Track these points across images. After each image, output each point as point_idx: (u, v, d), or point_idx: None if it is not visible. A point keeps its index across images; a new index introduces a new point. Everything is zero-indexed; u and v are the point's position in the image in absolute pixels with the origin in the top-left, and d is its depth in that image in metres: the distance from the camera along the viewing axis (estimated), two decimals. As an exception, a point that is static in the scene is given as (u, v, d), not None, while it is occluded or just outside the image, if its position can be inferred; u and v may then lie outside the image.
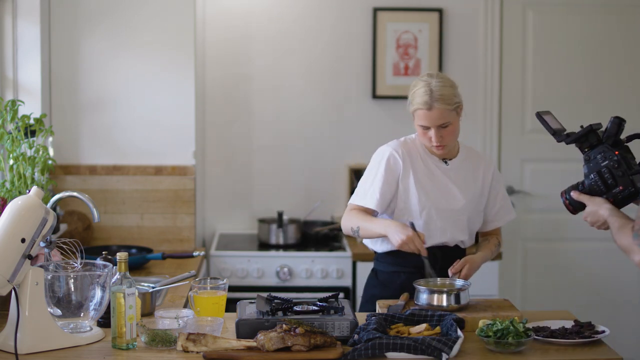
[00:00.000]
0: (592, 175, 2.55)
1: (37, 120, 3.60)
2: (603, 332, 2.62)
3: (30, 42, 3.99)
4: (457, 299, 2.79)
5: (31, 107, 3.84)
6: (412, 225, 2.93)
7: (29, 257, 2.47)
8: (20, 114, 3.56)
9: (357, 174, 4.81)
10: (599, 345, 2.57)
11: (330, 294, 2.85)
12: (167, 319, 2.62)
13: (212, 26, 4.78)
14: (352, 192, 4.74)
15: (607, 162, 2.52)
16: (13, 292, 2.46)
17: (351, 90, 4.88)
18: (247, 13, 4.80)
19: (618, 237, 2.44)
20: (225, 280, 2.89)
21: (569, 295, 4.90)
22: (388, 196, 3.06)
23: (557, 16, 4.89)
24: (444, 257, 3.07)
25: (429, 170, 3.09)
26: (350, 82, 4.88)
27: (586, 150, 2.57)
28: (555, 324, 2.70)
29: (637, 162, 2.55)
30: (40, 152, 3.56)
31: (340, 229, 4.66)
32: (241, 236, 4.78)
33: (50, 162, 3.66)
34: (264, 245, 4.57)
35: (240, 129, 4.86)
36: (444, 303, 2.78)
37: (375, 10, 4.81)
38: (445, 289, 2.80)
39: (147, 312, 2.84)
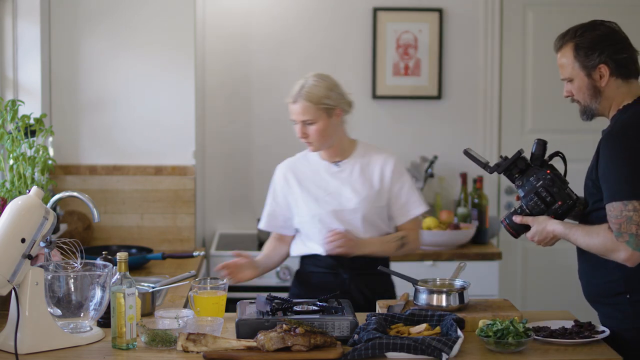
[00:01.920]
0: (529, 196, 2.68)
1: (37, 120, 3.60)
2: (603, 332, 2.62)
3: (30, 42, 3.99)
4: (457, 299, 2.79)
5: (31, 107, 3.84)
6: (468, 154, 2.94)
7: (29, 257, 2.47)
8: (20, 114, 3.56)
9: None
10: (599, 345, 2.57)
11: (330, 293, 2.85)
12: (167, 319, 2.62)
13: (212, 26, 4.78)
14: (352, 192, 4.80)
15: (541, 182, 2.66)
16: (13, 292, 2.46)
17: (351, 90, 4.83)
18: (247, 13, 4.80)
19: (588, 240, 2.56)
20: (225, 281, 2.89)
21: (569, 295, 4.89)
22: (279, 214, 3.27)
23: (557, 16, 4.88)
24: (355, 260, 3.15)
25: (318, 176, 3.20)
26: (350, 82, 4.86)
27: (516, 176, 2.71)
28: (555, 324, 2.70)
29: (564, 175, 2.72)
30: (40, 152, 3.56)
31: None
32: (241, 236, 4.78)
33: (50, 162, 3.66)
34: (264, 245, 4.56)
35: (240, 129, 4.86)
36: (444, 303, 2.78)
37: (375, 10, 4.81)
38: (445, 289, 2.80)
39: (147, 312, 2.84)
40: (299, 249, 3.29)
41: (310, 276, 3.26)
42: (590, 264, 2.66)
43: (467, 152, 2.80)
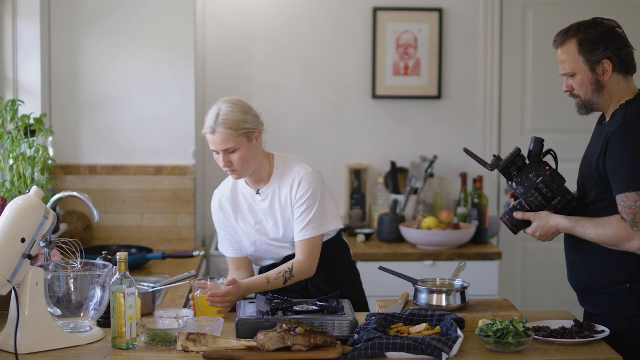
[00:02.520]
0: (529, 192, 2.73)
1: (37, 120, 3.60)
2: (603, 332, 2.62)
3: (30, 42, 3.99)
4: (457, 299, 2.79)
5: (31, 107, 3.84)
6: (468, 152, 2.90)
7: (29, 257, 2.47)
8: (20, 114, 3.56)
9: (357, 174, 4.81)
10: (599, 345, 2.57)
11: (330, 294, 2.84)
12: (167, 319, 2.62)
13: (212, 26, 4.78)
14: (352, 192, 4.81)
15: (541, 178, 2.73)
16: (13, 292, 2.46)
17: (351, 90, 4.88)
18: (247, 13, 4.80)
19: (600, 231, 2.60)
20: (222, 280, 2.88)
21: (569, 295, 4.89)
22: (231, 238, 3.17)
23: (557, 16, 4.88)
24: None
25: (248, 204, 3.12)
26: (350, 82, 4.88)
27: (515, 174, 2.76)
28: (555, 324, 2.71)
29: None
30: (40, 152, 3.56)
31: (341, 229, 4.67)
32: (241, 236, 4.78)
33: (50, 162, 3.66)
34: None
35: (240, 129, 4.85)
36: (444, 303, 2.78)
37: (375, 10, 4.81)
38: (445, 289, 2.80)
39: (147, 312, 2.84)
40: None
41: None
42: (587, 254, 2.71)
43: (467, 150, 2.84)
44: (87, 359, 2.46)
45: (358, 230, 4.62)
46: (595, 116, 2.86)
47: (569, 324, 2.71)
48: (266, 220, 3.08)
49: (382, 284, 3.92)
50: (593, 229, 2.62)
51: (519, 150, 2.77)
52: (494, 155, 2.81)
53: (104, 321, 2.66)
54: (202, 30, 4.75)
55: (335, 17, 4.84)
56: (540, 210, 2.73)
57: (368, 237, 4.58)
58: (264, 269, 3.20)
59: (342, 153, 4.89)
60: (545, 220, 2.71)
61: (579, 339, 2.56)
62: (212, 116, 2.98)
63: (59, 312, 2.57)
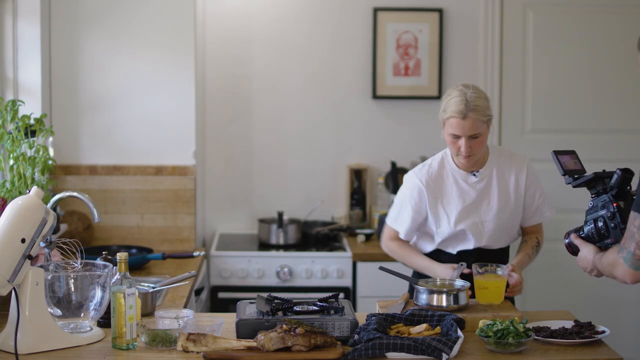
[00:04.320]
0: (589, 222, 2.59)
1: (37, 120, 3.60)
2: (603, 332, 2.62)
3: (30, 42, 3.99)
4: (457, 299, 2.79)
5: (31, 107, 3.84)
6: (461, 267, 3.01)
7: (29, 257, 2.47)
8: (20, 114, 3.56)
9: (357, 174, 4.81)
10: (599, 345, 2.57)
11: (330, 294, 2.85)
12: (167, 319, 2.62)
13: (212, 26, 4.78)
14: (352, 192, 4.81)
15: (604, 211, 2.53)
16: (13, 292, 2.46)
17: (351, 90, 4.88)
18: (247, 13, 4.80)
19: (603, 261, 2.44)
20: (506, 266, 2.96)
21: (569, 295, 4.90)
22: (417, 223, 3.18)
23: (557, 16, 4.89)
24: (480, 257, 3.14)
25: (458, 187, 3.15)
26: (350, 82, 4.88)
27: (593, 196, 2.60)
28: (555, 324, 2.71)
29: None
30: (41, 152, 3.56)
31: (339, 229, 4.68)
32: (241, 236, 4.78)
33: (50, 162, 3.66)
34: (264, 246, 4.57)
35: (240, 129, 4.86)
36: (444, 303, 2.78)
37: (375, 10, 4.81)
38: (445, 289, 2.80)
39: (147, 312, 2.84)
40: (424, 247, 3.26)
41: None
42: None
43: (554, 154, 2.68)
44: (87, 359, 2.46)
45: (358, 230, 4.63)
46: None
47: (569, 324, 2.71)
48: (481, 200, 3.15)
49: (382, 284, 3.92)
50: (603, 258, 2.46)
51: (595, 174, 2.58)
52: (597, 172, 2.59)
53: (104, 321, 2.66)
54: (202, 30, 4.75)
55: (336, 17, 4.83)
56: (592, 243, 2.58)
57: (368, 237, 4.58)
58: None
59: (342, 153, 4.89)
60: (587, 252, 2.56)
61: (579, 339, 2.56)
62: (459, 101, 3.01)
63: (59, 312, 2.57)
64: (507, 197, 3.16)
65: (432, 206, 3.15)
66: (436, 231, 3.16)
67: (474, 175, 3.15)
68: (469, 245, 3.15)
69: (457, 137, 3.04)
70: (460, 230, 3.13)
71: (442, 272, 3.06)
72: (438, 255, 3.19)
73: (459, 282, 2.89)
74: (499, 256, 3.19)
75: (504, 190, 3.16)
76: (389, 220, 3.27)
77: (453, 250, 3.17)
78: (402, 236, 3.22)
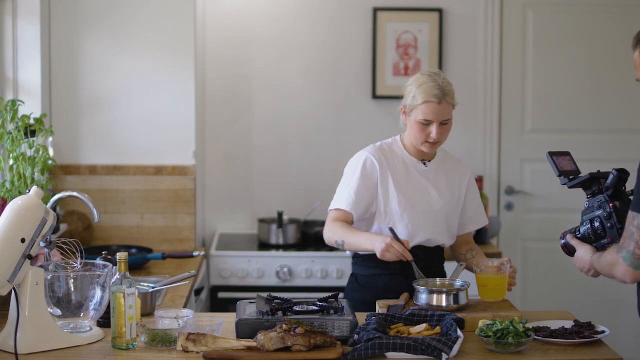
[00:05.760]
0: (585, 222, 2.59)
1: (37, 120, 3.60)
2: (603, 332, 2.62)
3: (30, 42, 3.99)
4: (457, 299, 2.79)
5: (31, 107, 3.84)
6: (392, 232, 2.96)
7: (29, 257, 2.47)
8: (20, 114, 3.56)
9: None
10: (599, 345, 2.57)
11: (330, 294, 2.85)
12: (167, 319, 2.62)
13: (212, 26, 4.78)
14: (352, 192, 4.79)
15: (601, 211, 2.54)
16: (13, 292, 2.46)
17: (351, 90, 4.88)
18: (247, 13, 4.80)
19: (602, 261, 2.44)
20: (506, 260, 2.95)
21: (569, 295, 4.90)
22: (364, 199, 3.10)
23: (557, 16, 4.89)
24: (426, 257, 3.11)
25: (407, 172, 3.14)
26: (350, 82, 4.88)
27: (589, 197, 2.60)
28: (555, 324, 2.70)
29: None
30: (41, 152, 3.56)
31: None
32: (241, 236, 4.78)
33: (50, 162, 3.66)
34: (264, 246, 4.57)
35: (240, 129, 4.86)
36: (444, 303, 2.78)
37: (375, 10, 4.81)
38: (445, 289, 2.80)
39: (147, 312, 2.84)
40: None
41: (376, 279, 3.13)
42: None
43: (549, 155, 2.68)
44: (87, 359, 2.46)
45: (358, 230, 4.62)
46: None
47: (569, 324, 2.70)
48: (430, 189, 3.14)
49: (382, 284, 3.91)
50: (601, 258, 2.46)
51: (590, 174, 2.58)
52: (591, 173, 2.59)
53: (104, 321, 2.66)
54: (202, 30, 4.75)
55: (335, 17, 4.83)
56: (589, 243, 2.59)
57: (368, 237, 4.58)
58: None
59: (342, 153, 4.87)
60: (584, 252, 2.57)
61: (579, 339, 2.55)
62: (433, 86, 3.00)
63: (59, 312, 2.57)
64: (452, 192, 3.16)
65: (384, 180, 3.09)
66: (384, 211, 3.08)
67: (425, 164, 3.15)
68: (420, 237, 3.07)
69: (427, 123, 3.02)
70: (410, 214, 3.07)
71: (381, 240, 2.89)
72: (379, 259, 3.02)
73: (459, 282, 2.89)
74: (438, 255, 3.17)
75: (450, 185, 3.17)
76: (332, 205, 3.14)
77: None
78: (344, 207, 3.07)
